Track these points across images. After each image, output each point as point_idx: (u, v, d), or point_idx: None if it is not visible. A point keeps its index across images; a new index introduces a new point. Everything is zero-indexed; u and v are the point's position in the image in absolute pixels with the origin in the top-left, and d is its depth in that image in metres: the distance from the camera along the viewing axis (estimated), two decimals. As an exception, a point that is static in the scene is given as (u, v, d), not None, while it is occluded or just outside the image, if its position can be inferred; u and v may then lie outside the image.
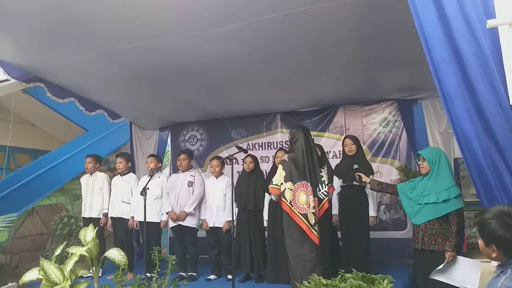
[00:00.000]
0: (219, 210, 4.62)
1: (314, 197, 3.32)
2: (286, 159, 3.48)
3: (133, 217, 4.86)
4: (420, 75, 4.05)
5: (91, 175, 5.15)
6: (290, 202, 3.34)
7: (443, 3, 2.01)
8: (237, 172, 4.81)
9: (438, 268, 3.11)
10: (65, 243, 3.35)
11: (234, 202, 4.13)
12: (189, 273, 4.67)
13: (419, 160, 3.35)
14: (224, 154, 5.88)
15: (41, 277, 2.65)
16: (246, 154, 4.58)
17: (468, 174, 2.21)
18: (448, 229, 3.16)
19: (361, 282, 2.29)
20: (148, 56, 3.97)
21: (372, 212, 4.24)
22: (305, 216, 3.30)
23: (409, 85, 4.91)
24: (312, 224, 3.27)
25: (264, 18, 3.21)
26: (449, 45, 1.98)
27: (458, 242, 3.20)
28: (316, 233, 3.26)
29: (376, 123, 5.57)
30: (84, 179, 5.20)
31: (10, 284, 4.48)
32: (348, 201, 4.24)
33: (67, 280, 2.62)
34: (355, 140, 4.36)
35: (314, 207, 3.29)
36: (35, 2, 3.11)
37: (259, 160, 4.89)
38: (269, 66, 4.20)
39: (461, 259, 3.18)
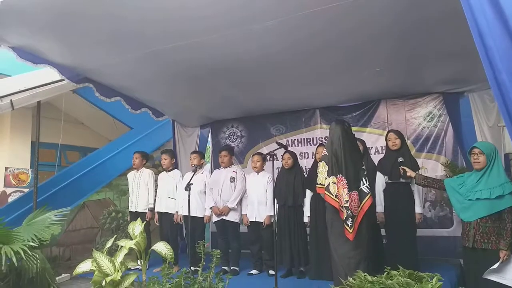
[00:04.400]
0: (261, 205, 4.66)
1: (349, 192, 3.25)
2: (326, 153, 3.46)
3: (177, 212, 4.99)
4: (467, 67, 3.88)
5: (137, 170, 5.33)
6: (336, 195, 3.30)
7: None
8: (277, 168, 4.81)
9: (492, 267, 2.98)
10: (114, 236, 3.50)
11: (274, 198, 4.16)
12: (232, 267, 4.73)
13: (473, 154, 3.18)
14: (264, 150, 5.89)
15: (94, 268, 2.78)
16: (284, 151, 4.59)
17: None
18: (502, 227, 3.01)
19: (408, 279, 2.24)
20: (187, 55, 4.03)
21: (418, 209, 4.11)
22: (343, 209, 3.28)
23: (455, 78, 4.70)
24: (344, 218, 3.23)
25: (302, 13, 3.17)
26: (505, 32, 1.88)
27: (512, 240, 3.05)
28: (348, 228, 3.21)
29: (420, 117, 5.38)
30: (131, 175, 5.39)
31: (63, 275, 4.71)
32: (394, 198, 4.12)
33: (118, 272, 2.73)
34: (399, 134, 4.24)
35: (347, 201, 3.23)
36: (83, 6, 3.26)
37: (298, 157, 4.87)
38: (307, 61, 4.15)
39: (516, 258, 3.03)
